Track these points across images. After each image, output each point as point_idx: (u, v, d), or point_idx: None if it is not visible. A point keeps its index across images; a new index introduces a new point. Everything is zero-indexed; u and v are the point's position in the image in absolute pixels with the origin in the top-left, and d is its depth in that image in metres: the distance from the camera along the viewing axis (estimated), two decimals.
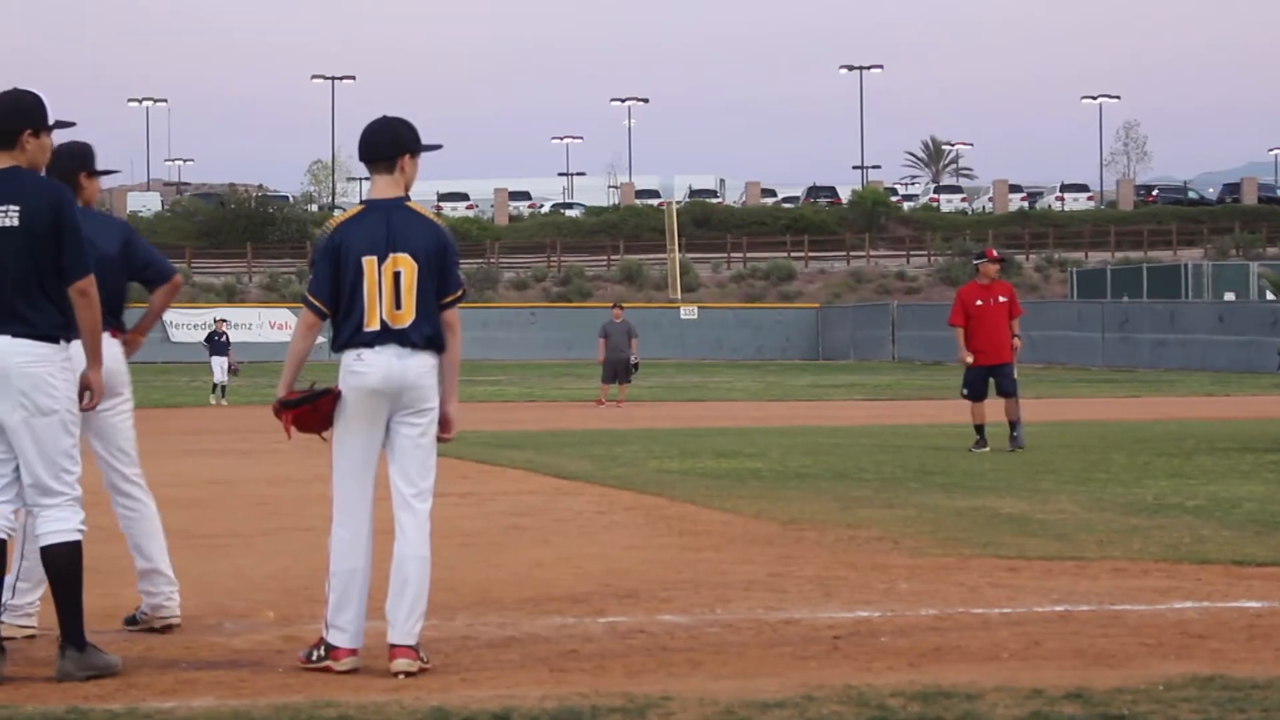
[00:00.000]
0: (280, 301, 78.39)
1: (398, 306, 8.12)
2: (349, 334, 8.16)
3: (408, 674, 7.92)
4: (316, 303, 8.21)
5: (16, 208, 7.92)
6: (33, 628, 8.82)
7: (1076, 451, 20.87)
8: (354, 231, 8.19)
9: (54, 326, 7.97)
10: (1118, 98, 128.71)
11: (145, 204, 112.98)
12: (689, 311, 78.78)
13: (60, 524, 7.95)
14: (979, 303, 21.68)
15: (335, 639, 8.14)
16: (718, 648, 8.64)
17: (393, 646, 8.03)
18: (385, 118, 8.37)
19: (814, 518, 14.04)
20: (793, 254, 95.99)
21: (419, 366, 8.16)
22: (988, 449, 21.09)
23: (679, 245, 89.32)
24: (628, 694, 7.50)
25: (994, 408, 21.65)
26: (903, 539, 12.71)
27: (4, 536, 7.95)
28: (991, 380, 21.65)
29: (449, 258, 8.31)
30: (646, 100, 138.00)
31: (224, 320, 43.65)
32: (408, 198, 8.34)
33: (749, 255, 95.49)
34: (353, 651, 8.13)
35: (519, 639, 8.90)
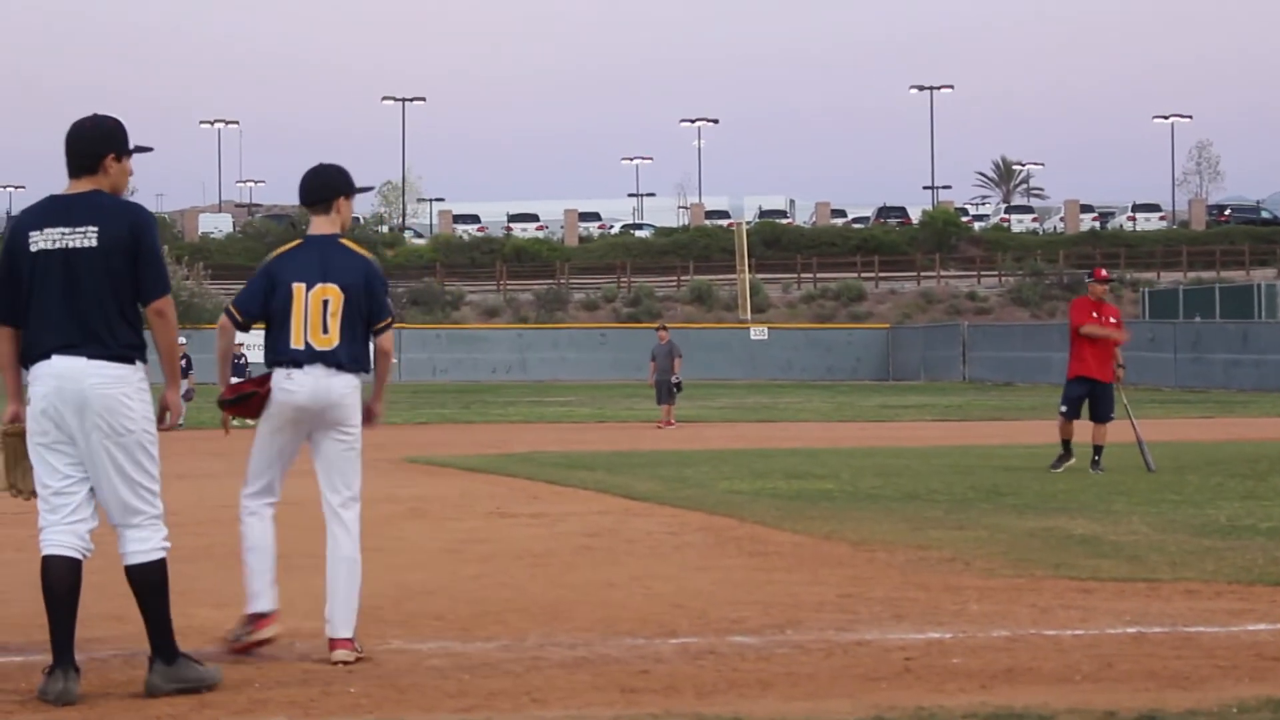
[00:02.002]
0: None
1: (324, 331, 8.98)
2: (279, 351, 9.01)
3: (346, 663, 8.71)
4: (235, 311, 9.11)
5: (95, 229, 8.00)
6: None
7: (1149, 472, 20.74)
8: (290, 261, 9.07)
9: (130, 348, 8.05)
10: (1189, 117, 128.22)
11: (217, 225, 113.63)
12: (759, 332, 78.74)
13: (143, 543, 8.08)
14: (1094, 315, 21.50)
15: (255, 606, 9.03)
16: (788, 669, 8.64)
17: (332, 640, 8.87)
18: (321, 165, 9.32)
19: (885, 539, 14.01)
20: (863, 274, 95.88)
21: (343, 386, 9.01)
22: (1073, 460, 21.02)
23: (749, 266, 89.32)
24: (698, 714, 7.50)
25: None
26: (974, 560, 12.67)
27: (79, 556, 8.03)
28: (1086, 401, 21.41)
29: (376, 289, 9.14)
30: (716, 121, 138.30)
31: (240, 343, 44.25)
32: (341, 235, 9.18)
33: (819, 276, 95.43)
34: (271, 618, 9.04)
35: (590, 659, 8.92)
